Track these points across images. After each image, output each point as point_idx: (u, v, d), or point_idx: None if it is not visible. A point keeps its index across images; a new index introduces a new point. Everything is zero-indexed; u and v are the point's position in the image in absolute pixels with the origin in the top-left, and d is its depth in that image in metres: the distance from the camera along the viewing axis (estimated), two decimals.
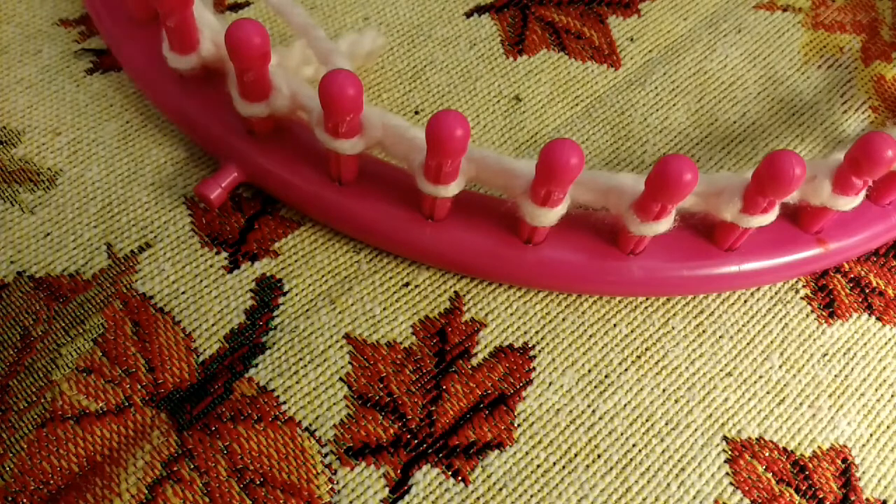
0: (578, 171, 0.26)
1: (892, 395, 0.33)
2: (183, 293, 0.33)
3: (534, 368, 0.32)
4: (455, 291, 0.34)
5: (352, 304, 0.33)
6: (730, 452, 0.31)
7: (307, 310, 0.33)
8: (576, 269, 0.32)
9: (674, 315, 0.34)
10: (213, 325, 0.32)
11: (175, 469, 0.29)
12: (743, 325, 0.34)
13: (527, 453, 0.31)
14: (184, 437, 0.30)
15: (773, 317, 0.34)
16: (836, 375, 0.33)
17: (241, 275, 0.34)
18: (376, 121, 0.30)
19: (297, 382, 0.31)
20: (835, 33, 0.43)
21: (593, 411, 0.32)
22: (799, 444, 0.32)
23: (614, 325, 0.34)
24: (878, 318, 0.35)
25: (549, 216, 0.30)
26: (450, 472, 0.30)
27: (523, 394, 0.32)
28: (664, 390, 0.32)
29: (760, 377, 0.33)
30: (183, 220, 0.35)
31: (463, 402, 0.31)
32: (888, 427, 0.32)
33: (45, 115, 0.37)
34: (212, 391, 0.31)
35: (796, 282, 0.35)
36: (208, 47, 0.33)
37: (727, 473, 0.31)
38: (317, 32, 0.35)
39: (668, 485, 0.30)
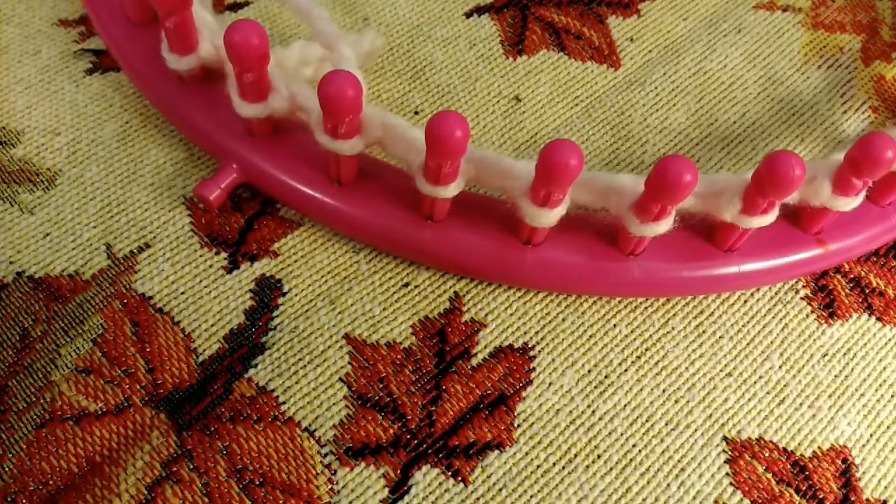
0: (578, 172, 0.26)
1: (892, 395, 0.33)
2: (182, 293, 0.33)
3: (534, 369, 0.32)
4: (455, 292, 0.34)
5: (351, 305, 0.33)
6: (730, 453, 0.31)
7: (307, 310, 0.33)
8: (576, 270, 0.32)
9: (674, 315, 0.34)
10: (212, 325, 0.32)
11: (174, 469, 0.29)
12: (743, 326, 0.34)
13: (527, 454, 0.31)
14: (183, 438, 0.30)
15: (773, 317, 0.34)
16: (836, 376, 0.33)
17: (240, 275, 0.34)
18: (376, 121, 0.30)
19: (296, 383, 0.31)
20: (835, 33, 0.43)
21: (593, 412, 0.32)
22: (799, 444, 0.32)
23: (614, 326, 0.34)
24: (878, 319, 0.35)
25: (549, 217, 0.30)
26: (450, 473, 0.30)
27: (523, 394, 0.32)
28: (664, 390, 0.32)
29: (760, 377, 0.33)
30: (182, 220, 0.35)
31: (463, 403, 0.31)
32: (888, 427, 0.32)
33: (45, 115, 0.37)
34: (211, 391, 0.31)
35: (796, 282, 0.35)
36: (207, 48, 0.33)
37: (727, 474, 0.31)
38: (325, 23, 0.34)
39: (668, 485, 0.30)
